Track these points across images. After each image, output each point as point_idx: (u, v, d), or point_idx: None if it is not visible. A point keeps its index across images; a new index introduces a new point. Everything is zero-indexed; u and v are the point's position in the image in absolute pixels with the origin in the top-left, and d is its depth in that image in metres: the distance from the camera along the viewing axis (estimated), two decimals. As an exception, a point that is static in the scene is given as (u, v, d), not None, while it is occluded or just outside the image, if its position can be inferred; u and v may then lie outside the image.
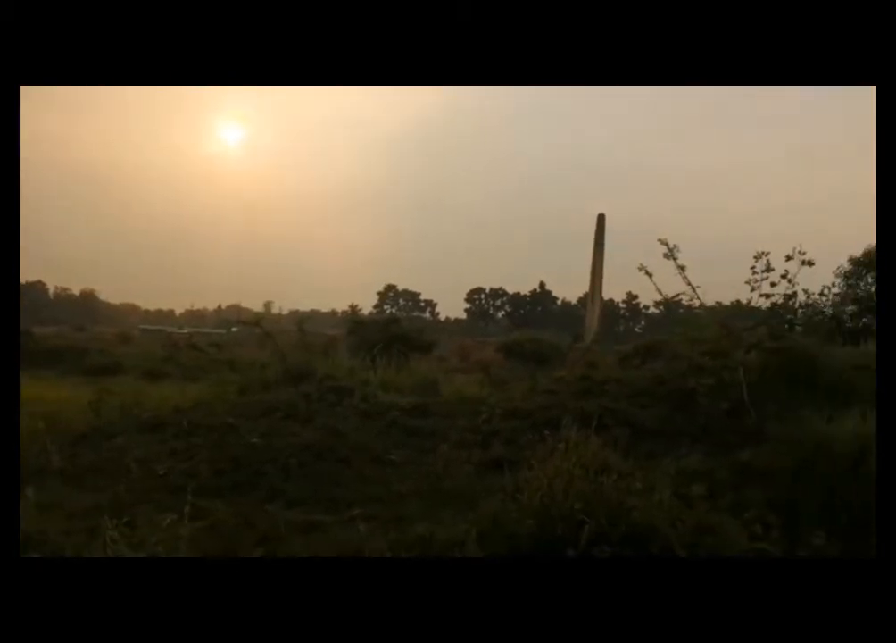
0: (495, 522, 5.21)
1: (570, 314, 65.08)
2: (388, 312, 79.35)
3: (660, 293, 9.19)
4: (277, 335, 13.25)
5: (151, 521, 4.56)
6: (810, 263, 7.81)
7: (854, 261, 23.63)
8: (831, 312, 22.06)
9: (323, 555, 4.84)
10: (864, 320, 21.49)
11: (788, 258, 7.88)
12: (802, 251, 7.82)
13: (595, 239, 23.75)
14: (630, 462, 6.04)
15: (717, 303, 8.46)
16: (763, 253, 8.01)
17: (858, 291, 23.44)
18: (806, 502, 5.85)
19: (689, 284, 8.50)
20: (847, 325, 21.58)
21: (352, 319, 31.35)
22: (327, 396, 8.71)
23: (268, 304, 75.56)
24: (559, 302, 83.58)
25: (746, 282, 8.14)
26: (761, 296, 8.10)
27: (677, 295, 8.65)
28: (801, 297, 8.20)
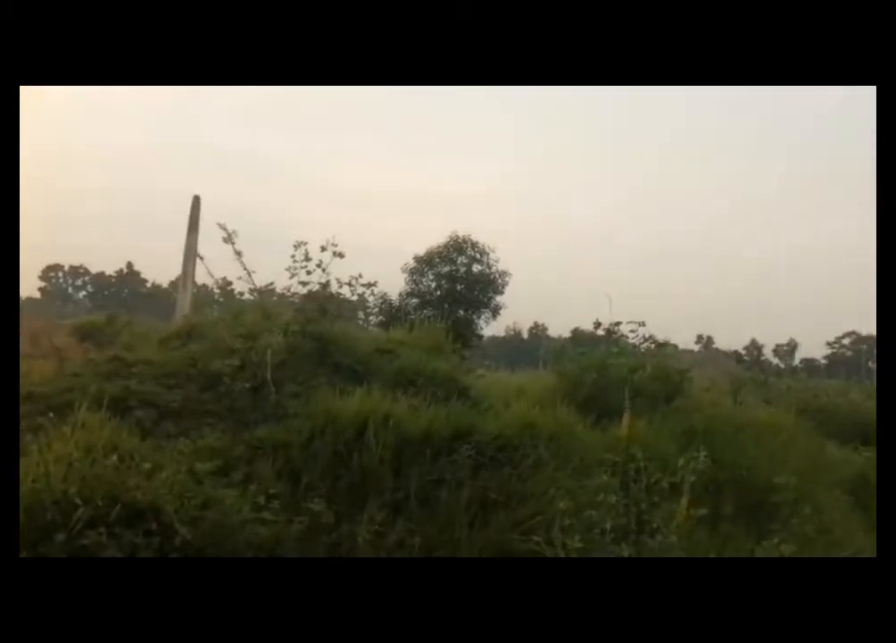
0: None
1: (162, 298, 61.97)
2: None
3: (212, 276, 9.34)
4: None
5: None
6: (341, 255, 8.58)
7: (417, 259, 26.51)
8: (397, 303, 24.60)
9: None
10: (425, 311, 24.32)
11: (323, 249, 8.53)
12: (335, 243, 8.56)
13: (190, 222, 22.82)
14: (149, 443, 6.00)
15: (257, 286, 8.84)
16: (301, 242, 8.57)
17: (421, 286, 26.44)
18: (311, 471, 6.42)
19: (245, 269, 8.75)
20: (410, 316, 24.18)
21: None
22: None
23: None
24: (148, 284, 79.18)
25: (286, 269, 8.62)
26: (300, 283, 8.65)
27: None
28: (334, 286, 8.86)
